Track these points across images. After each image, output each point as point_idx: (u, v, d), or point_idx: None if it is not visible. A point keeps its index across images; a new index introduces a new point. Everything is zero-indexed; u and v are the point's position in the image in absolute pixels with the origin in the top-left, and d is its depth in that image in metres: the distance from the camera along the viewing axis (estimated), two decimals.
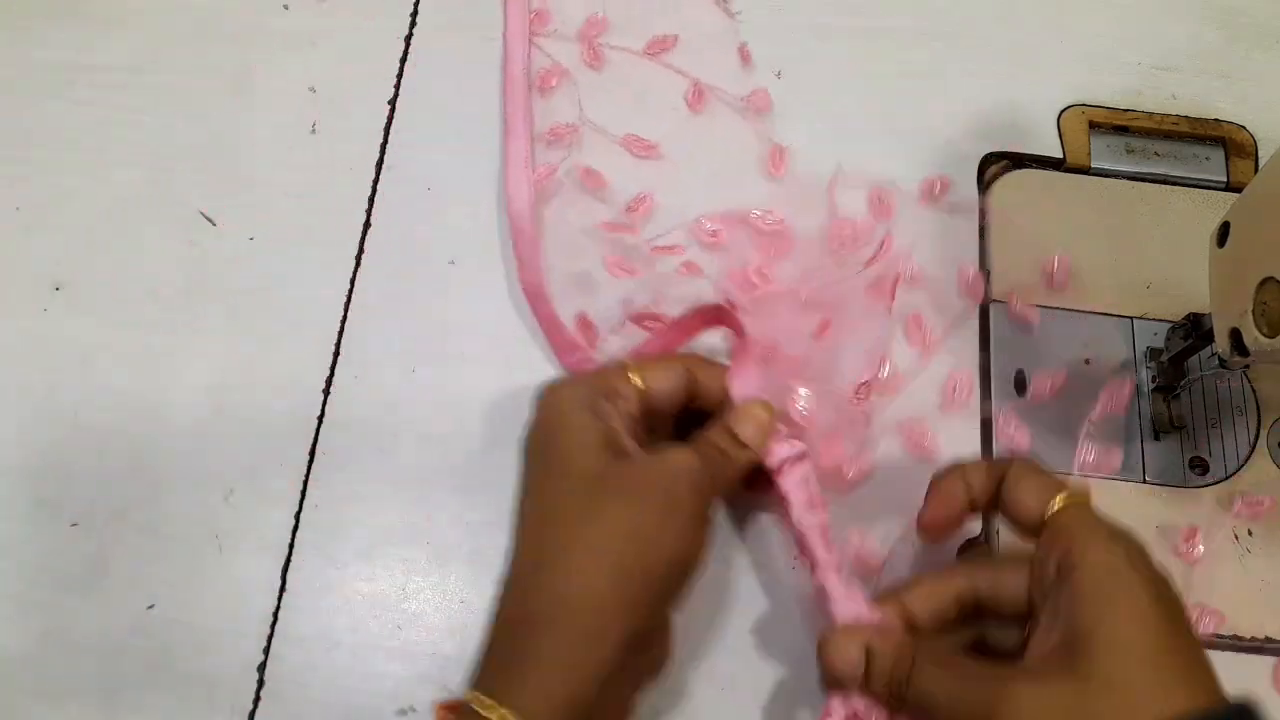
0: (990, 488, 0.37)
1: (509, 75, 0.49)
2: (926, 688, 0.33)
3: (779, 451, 0.39)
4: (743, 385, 0.39)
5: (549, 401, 0.38)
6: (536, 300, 0.45)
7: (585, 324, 0.45)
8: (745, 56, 0.51)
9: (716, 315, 0.41)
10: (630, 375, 0.38)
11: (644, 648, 0.35)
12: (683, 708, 0.40)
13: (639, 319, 0.44)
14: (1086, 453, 0.44)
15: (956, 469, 0.37)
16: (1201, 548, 0.42)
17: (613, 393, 0.37)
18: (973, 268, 0.47)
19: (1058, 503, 0.34)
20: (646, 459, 0.36)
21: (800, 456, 0.39)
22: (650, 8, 0.52)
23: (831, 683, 0.35)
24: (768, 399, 0.39)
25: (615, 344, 0.45)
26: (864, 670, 0.34)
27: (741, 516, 0.43)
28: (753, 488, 0.40)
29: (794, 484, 0.39)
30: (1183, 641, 0.31)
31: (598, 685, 0.32)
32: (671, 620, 0.37)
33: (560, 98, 0.50)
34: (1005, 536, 0.42)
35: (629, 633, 0.33)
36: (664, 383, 0.38)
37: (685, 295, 0.44)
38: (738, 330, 0.40)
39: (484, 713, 0.31)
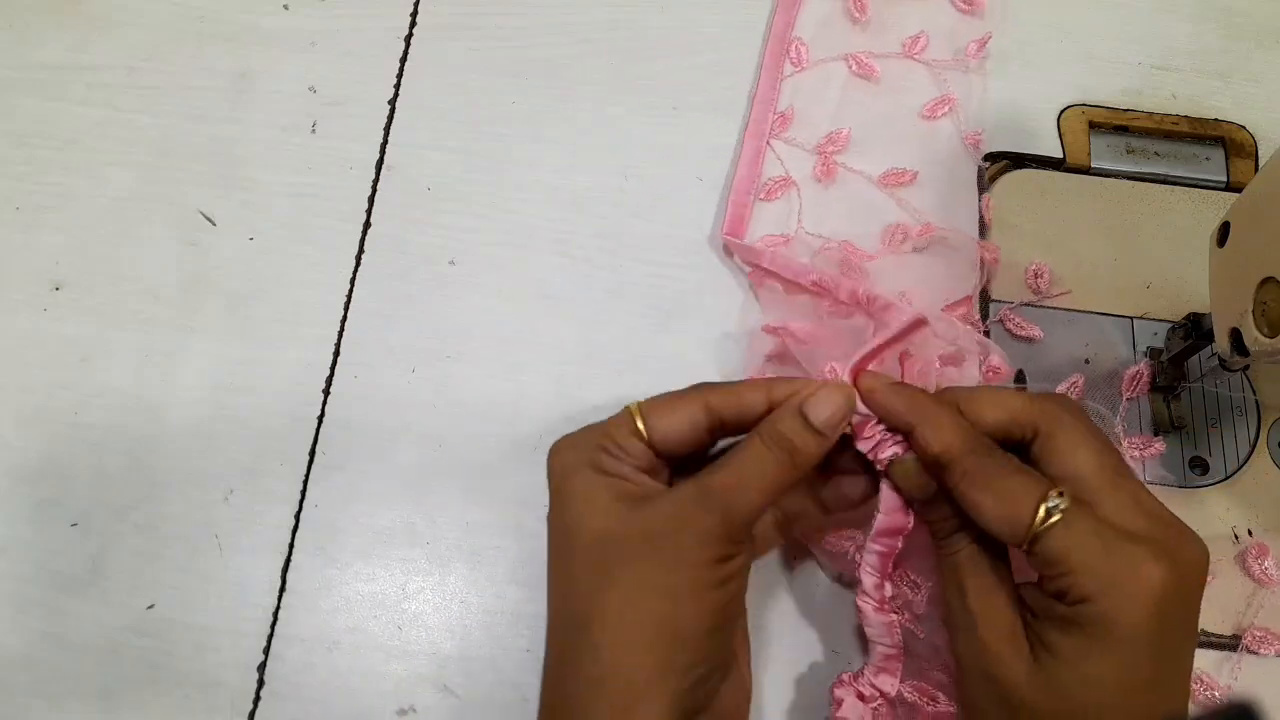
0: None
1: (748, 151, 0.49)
2: (970, 475, 0.33)
3: (871, 433, 0.35)
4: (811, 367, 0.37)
5: (552, 465, 0.35)
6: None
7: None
8: (986, 209, 0.48)
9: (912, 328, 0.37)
10: (635, 423, 0.35)
11: (703, 707, 0.33)
12: None
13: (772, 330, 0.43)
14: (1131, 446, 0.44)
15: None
16: (1269, 564, 0.42)
17: (617, 447, 0.34)
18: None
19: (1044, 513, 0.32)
20: (651, 509, 0.33)
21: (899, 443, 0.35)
22: (894, 136, 0.50)
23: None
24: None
25: None
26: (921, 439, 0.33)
27: None
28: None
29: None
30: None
31: None
32: (739, 671, 0.35)
33: (780, 205, 0.48)
34: None
35: (673, 696, 0.31)
36: (672, 425, 0.35)
37: None
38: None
39: None
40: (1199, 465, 0.44)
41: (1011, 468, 0.33)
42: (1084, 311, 0.47)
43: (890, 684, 0.37)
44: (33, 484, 0.44)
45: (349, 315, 0.46)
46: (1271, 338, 0.34)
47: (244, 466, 0.44)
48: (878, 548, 0.36)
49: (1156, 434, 0.45)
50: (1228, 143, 0.50)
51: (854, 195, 0.49)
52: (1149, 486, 0.44)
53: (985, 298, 0.47)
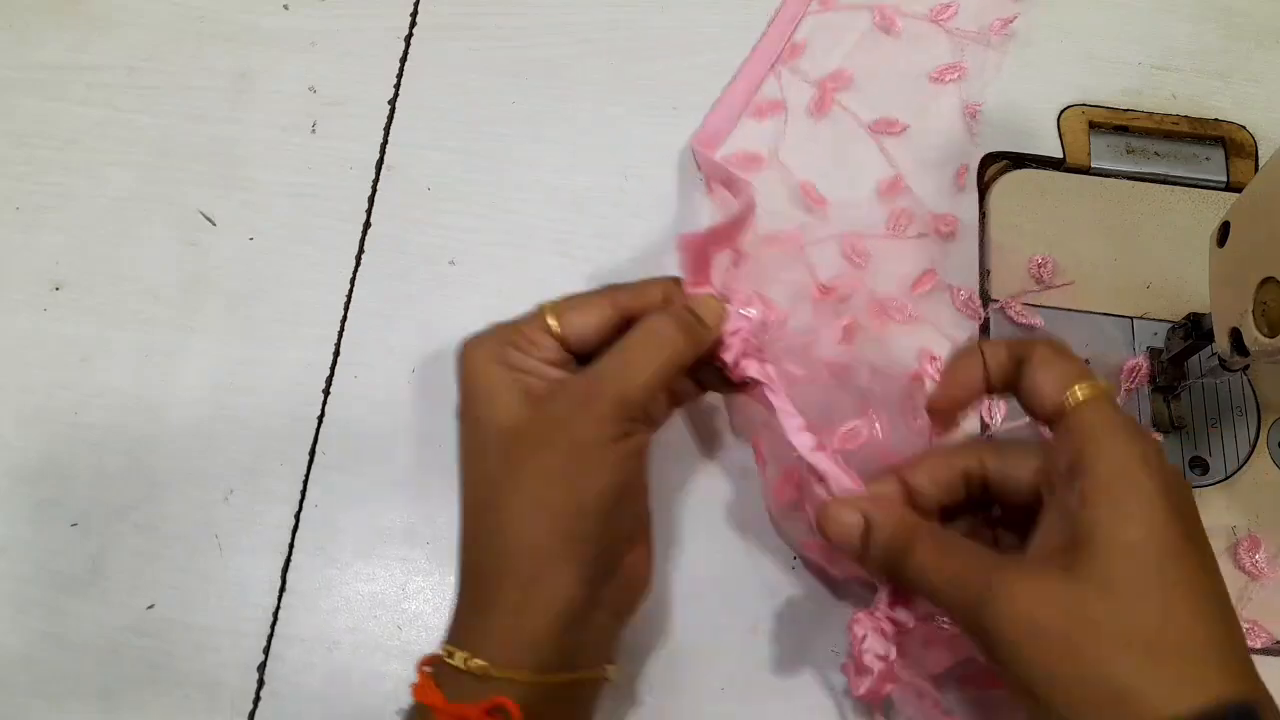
0: (1010, 369, 0.35)
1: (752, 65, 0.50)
2: (923, 562, 0.33)
3: (737, 326, 0.38)
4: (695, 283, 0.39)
5: (462, 359, 0.37)
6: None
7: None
8: (961, 176, 0.49)
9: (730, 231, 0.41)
10: (548, 320, 0.37)
11: (608, 577, 0.35)
12: (683, 705, 0.40)
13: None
14: None
15: (974, 347, 0.36)
16: (1260, 556, 0.42)
17: (525, 341, 0.36)
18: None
19: (1078, 393, 0.32)
20: (549, 398, 0.35)
21: (762, 323, 0.38)
22: (896, 89, 0.51)
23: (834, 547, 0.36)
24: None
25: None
26: (862, 540, 0.34)
27: (742, 518, 0.43)
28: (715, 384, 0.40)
29: (757, 367, 0.38)
30: (1191, 547, 0.30)
31: (562, 621, 0.33)
32: (644, 547, 0.37)
33: (767, 126, 0.50)
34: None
35: (580, 567, 0.33)
36: (584, 323, 0.37)
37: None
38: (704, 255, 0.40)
39: (454, 663, 0.32)
40: (1199, 465, 0.44)
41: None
42: (1084, 311, 0.47)
43: (906, 615, 0.36)
44: (33, 484, 0.44)
45: (349, 315, 0.46)
46: (1271, 338, 0.34)
47: (244, 466, 0.44)
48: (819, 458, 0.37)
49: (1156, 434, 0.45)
50: (1228, 143, 0.50)
51: (840, 135, 0.50)
52: None
53: (986, 295, 0.47)
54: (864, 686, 0.36)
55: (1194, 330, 0.42)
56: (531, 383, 0.36)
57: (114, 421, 0.44)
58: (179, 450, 0.44)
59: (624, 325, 0.37)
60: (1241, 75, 0.51)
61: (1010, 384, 0.35)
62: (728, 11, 0.52)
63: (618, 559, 0.36)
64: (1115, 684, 0.28)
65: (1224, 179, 0.49)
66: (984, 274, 0.47)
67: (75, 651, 0.41)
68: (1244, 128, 0.50)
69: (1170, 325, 0.45)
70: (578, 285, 0.46)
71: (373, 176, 0.49)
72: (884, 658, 0.36)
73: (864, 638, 0.36)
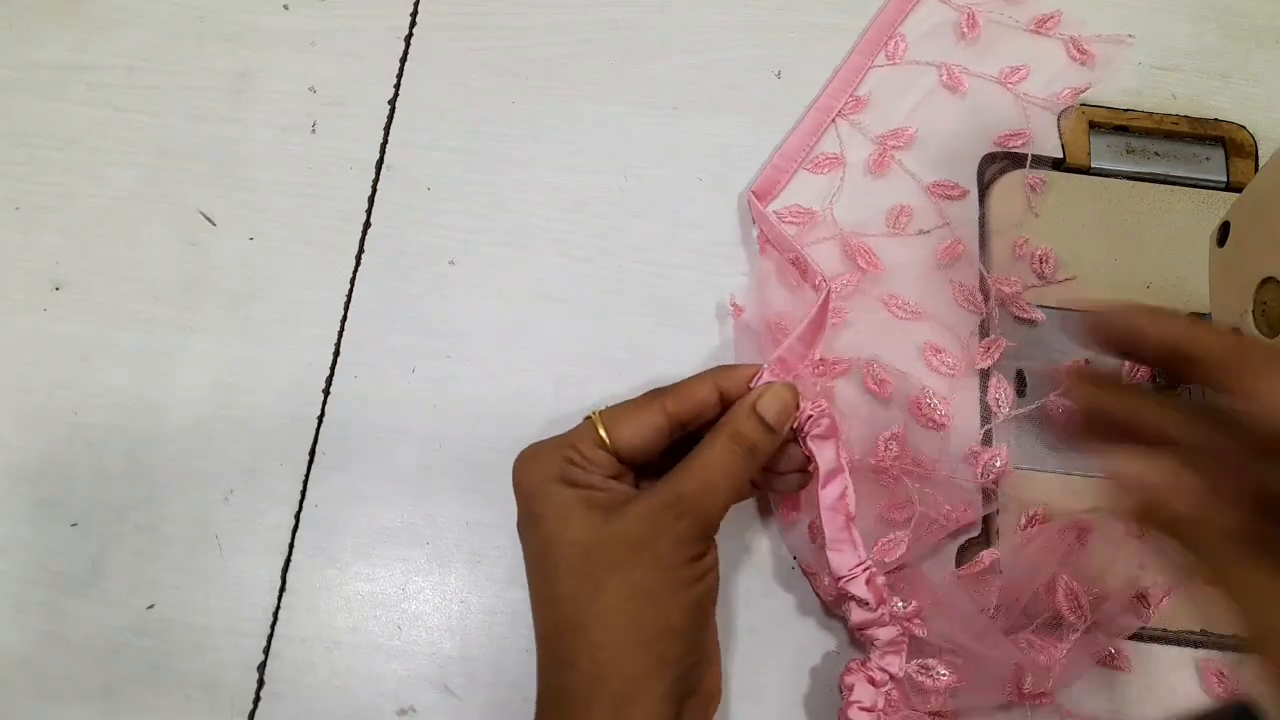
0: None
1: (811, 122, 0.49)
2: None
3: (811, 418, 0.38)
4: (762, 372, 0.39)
5: (520, 479, 0.37)
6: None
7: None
8: (1019, 246, 0.47)
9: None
10: (600, 433, 0.37)
11: (690, 696, 0.35)
12: None
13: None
14: None
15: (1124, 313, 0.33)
16: None
17: (581, 458, 0.36)
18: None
19: None
20: (627, 518, 0.35)
21: (829, 427, 0.38)
22: (956, 151, 0.49)
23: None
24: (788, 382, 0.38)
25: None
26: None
27: (736, 526, 0.43)
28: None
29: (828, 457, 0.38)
30: None
31: None
32: (715, 655, 0.37)
33: (823, 180, 0.49)
34: (1005, 535, 0.43)
35: (667, 685, 0.33)
36: (636, 434, 0.37)
37: None
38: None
39: None
40: None
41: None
42: (1084, 312, 0.46)
43: (897, 664, 0.37)
44: (33, 484, 0.44)
45: (349, 315, 0.46)
46: (1271, 337, 0.34)
47: (244, 466, 0.44)
48: (835, 518, 0.38)
49: None
50: (1228, 143, 0.50)
51: (898, 194, 0.49)
52: None
53: (986, 294, 0.47)
54: None
55: None
56: (598, 498, 0.35)
57: (114, 421, 0.44)
58: (179, 450, 0.44)
59: (675, 430, 0.37)
60: (1241, 75, 0.52)
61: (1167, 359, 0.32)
62: (728, 11, 0.52)
63: (698, 678, 0.35)
64: None
65: (1224, 179, 0.49)
66: (984, 274, 0.47)
67: (75, 651, 0.41)
68: (1244, 128, 0.50)
69: None
70: (578, 285, 0.47)
71: (373, 176, 0.49)
72: (870, 709, 0.37)
73: (854, 688, 0.37)
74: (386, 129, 0.50)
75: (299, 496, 0.43)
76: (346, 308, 0.46)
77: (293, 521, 0.43)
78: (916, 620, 0.38)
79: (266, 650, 0.41)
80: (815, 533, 0.41)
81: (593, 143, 0.50)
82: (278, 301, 0.47)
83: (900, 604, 0.38)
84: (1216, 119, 0.50)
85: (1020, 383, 0.45)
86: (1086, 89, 0.50)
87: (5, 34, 0.51)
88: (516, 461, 0.37)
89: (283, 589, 0.42)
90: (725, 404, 0.38)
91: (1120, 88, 0.51)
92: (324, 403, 0.45)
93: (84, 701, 0.40)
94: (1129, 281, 0.47)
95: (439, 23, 0.52)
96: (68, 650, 0.41)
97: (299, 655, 0.41)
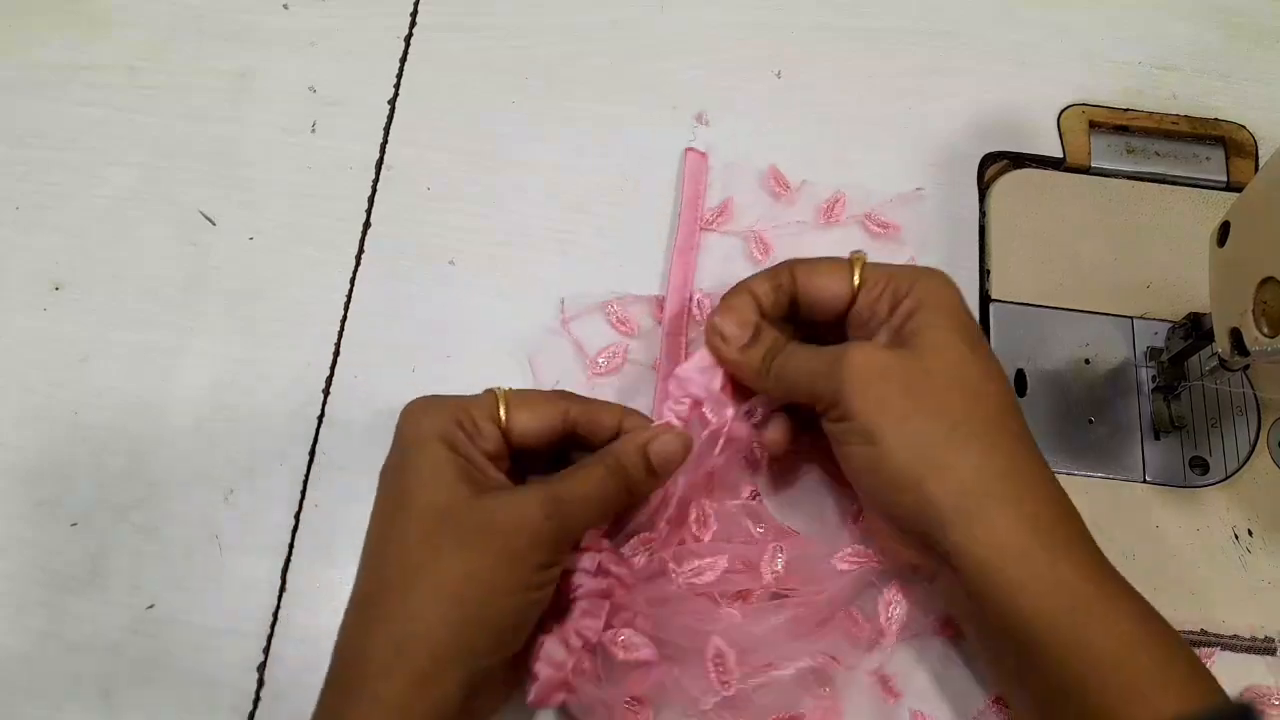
0: (777, 295, 0.39)
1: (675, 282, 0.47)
2: (792, 361, 0.38)
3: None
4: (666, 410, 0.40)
5: (406, 425, 0.37)
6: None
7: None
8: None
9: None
10: (498, 410, 0.37)
11: (487, 688, 0.35)
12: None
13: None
14: None
15: (741, 285, 0.40)
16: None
17: (471, 425, 0.36)
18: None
19: (858, 272, 0.38)
20: (495, 501, 0.35)
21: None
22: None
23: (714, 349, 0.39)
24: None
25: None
26: (744, 350, 0.39)
27: None
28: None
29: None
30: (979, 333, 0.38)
31: None
32: (520, 662, 0.36)
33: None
34: None
35: (465, 679, 0.33)
36: (531, 424, 0.37)
37: None
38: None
39: None
40: (1199, 465, 0.44)
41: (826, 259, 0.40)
42: (1084, 311, 0.47)
43: (592, 628, 0.37)
44: (33, 484, 0.44)
45: (349, 315, 0.46)
46: (1272, 337, 0.34)
47: (244, 466, 0.44)
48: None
49: (1157, 436, 0.45)
50: (1228, 143, 0.50)
51: None
52: (1149, 486, 0.44)
53: (986, 295, 0.47)
54: (533, 693, 0.36)
55: (1194, 330, 0.42)
56: (473, 472, 0.35)
57: (114, 421, 0.44)
58: (179, 450, 0.44)
59: (564, 436, 0.38)
60: (1241, 75, 0.51)
61: (785, 306, 0.39)
62: (728, 12, 0.52)
63: (495, 677, 0.35)
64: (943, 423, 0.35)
65: (1224, 179, 0.49)
66: (984, 274, 0.47)
67: (75, 651, 0.41)
68: (1244, 128, 0.50)
69: (1170, 325, 0.45)
70: (578, 285, 0.47)
71: (373, 176, 0.49)
72: (558, 667, 0.36)
73: (543, 644, 0.36)
74: (386, 129, 0.50)
75: (299, 496, 0.43)
76: (346, 308, 0.46)
77: (293, 521, 0.43)
78: (623, 587, 0.38)
79: (266, 650, 0.41)
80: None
81: (593, 143, 0.50)
82: (278, 301, 0.46)
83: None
84: (1216, 119, 0.50)
85: (1020, 382, 0.45)
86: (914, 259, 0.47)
87: (5, 34, 0.51)
88: (408, 407, 0.37)
89: (283, 589, 0.42)
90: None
91: (1120, 88, 0.51)
92: (324, 403, 0.45)
93: (84, 701, 0.40)
94: (1129, 281, 0.47)
95: (439, 22, 0.52)
96: (68, 650, 0.41)
97: (299, 655, 0.41)
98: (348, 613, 0.35)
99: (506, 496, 0.35)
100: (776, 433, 0.41)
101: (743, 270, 0.40)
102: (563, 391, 0.40)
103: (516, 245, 0.48)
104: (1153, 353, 0.45)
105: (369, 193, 0.49)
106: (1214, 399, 0.45)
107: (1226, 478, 0.44)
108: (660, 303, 0.46)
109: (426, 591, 0.33)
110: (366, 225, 0.48)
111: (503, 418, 0.37)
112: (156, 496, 0.43)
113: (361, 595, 0.35)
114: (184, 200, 0.48)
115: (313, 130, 0.50)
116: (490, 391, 0.38)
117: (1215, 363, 0.41)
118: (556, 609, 0.37)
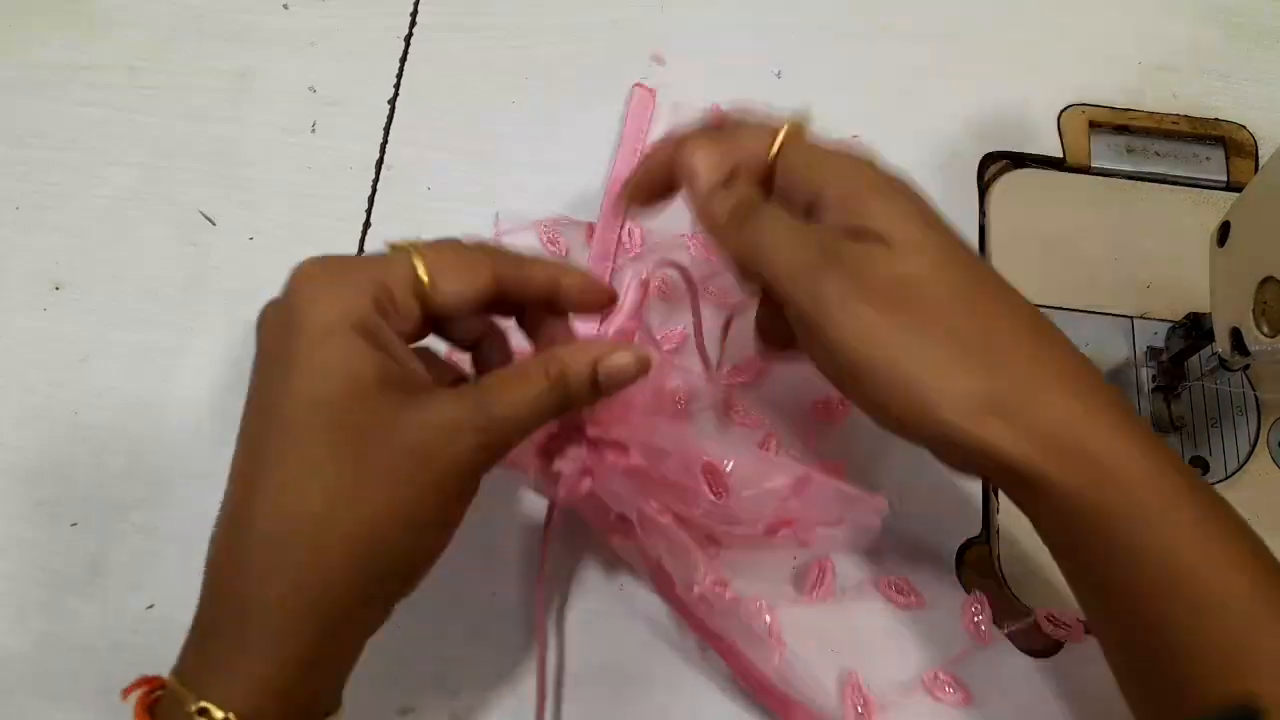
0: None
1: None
2: (768, 238, 0.32)
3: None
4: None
5: (302, 299, 0.29)
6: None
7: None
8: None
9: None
10: (420, 272, 0.30)
11: (369, 620, 0.31)
12: (683, 703, 0.40)
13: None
14: None
15: (667, 139, 0.35)
16: None
17: (391, 305, 0.29)
18: None
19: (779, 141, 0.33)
20: (422, 417, 0.29)
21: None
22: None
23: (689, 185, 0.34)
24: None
25: None
26: (712, 191, 0.33)
27: None
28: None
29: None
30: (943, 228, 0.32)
31: (312, 675, 0.29)
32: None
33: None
34: (1005, 535, 0.42)
35: (360, 630, 0.30)
36: (458, 286, 0.30)
37: None
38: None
39: (182, 705, 0.27)
40: (1199, 465, 0.44)
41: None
42: (1084, 311, 0.47)
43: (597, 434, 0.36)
44: (33, 484, 0.44)
45: None
46: (1272, 337, 0.34)
47: None
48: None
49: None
50: (1228, 143, 0.50)
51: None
52: None
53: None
54: (562, 490, 0.35)
55: (1194, 330, 0.42)
56: (395, 372, 0.29)
57: (114, 421, 0.44)
58: (179, 450, 0.44)
59: (491, 300, 0.31)
60: (1241, 75, 0.52)
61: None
62: (728, 12, 0.52)
63: (377, 615, 0.31)
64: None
65: (1224, 179, 0.49)
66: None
67: (75, 651, 0.41)
68: (1244, 128, 0.50)
69: (1170, 325, 0.45)
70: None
71: (373, 176, 0.49)
72: (577, 457, 0.35)
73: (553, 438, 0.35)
74: (386, 129, 0.50)
75: None
76: None
77: None
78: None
79: None
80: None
81: (593, 143, 0.49)
82: None
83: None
84: (1216, 119, 0.50)
85: None
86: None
87: (5, 34, 0.51)
88: (301, 270, 0.30)
89: None
90: (552, 305, 0.33)
91: (1120, 88, 0.51)
92: None
93: (84, 701, 0.40)
94: (1129, 281, 0.47)
95: (439, 22, 0.52)
96: (68, 650, 0.41)
97: None
98: (220, 521, 0.30)
99: (435, 408, 0.29)
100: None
101: (683, 213, 0.36)
102: (483, 244, 0.32)
103: (516, 245, 0.47)
104: (1152, 352, 0.45)
105: (369, 193, 0.49)
106: (1214, 399, 0.45)
107: (1226, 478, 0.44)
108: (592, 229, 0.47)
109: (332, 527, 0.28)
110: (366, 225, 0.48)
111: (424, 277, 0.30)
112: (156, 496, 0.43)
113: (237, 502, 0.30)
114: (184, 200, 0.48)
115: (313, 130, 0.50)
116: (402, 250, 0.30)
117: (1215, 363, 0.41)
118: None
